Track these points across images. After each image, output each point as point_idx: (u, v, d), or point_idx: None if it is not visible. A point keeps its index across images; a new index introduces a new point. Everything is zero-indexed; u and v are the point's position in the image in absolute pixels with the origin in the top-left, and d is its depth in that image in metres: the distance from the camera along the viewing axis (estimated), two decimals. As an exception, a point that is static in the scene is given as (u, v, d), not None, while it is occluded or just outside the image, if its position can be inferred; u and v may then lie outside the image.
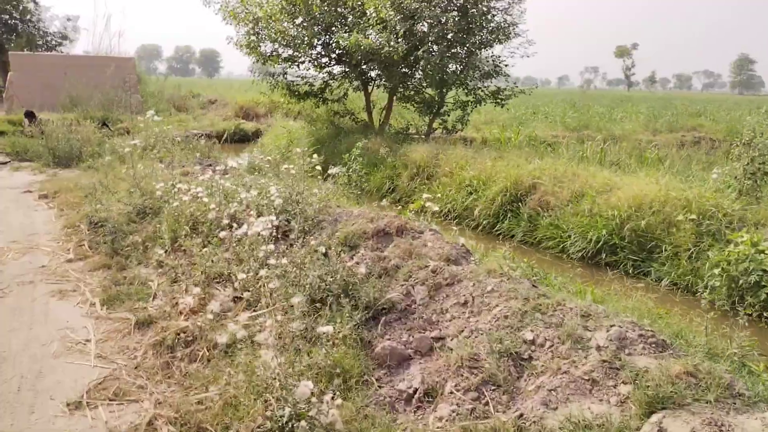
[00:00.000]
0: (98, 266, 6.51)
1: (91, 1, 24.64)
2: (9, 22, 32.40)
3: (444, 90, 13.11)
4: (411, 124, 14.61)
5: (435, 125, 14.30)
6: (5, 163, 12.31)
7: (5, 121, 17.45)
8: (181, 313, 5.36)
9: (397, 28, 11.73)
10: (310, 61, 13.86)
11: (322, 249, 5.47)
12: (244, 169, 9.67)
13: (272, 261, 5.13)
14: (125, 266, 6.46)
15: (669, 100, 44.70)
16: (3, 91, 29.67)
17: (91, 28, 33.83)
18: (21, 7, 32.52)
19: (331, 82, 14.39)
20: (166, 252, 6.53)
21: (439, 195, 10.11)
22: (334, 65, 14.17)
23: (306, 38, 12.44)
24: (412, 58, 12.39)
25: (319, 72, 14.20)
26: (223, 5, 13.97)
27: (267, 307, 5.00)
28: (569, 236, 7.99)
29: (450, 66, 12.30)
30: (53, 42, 33.55)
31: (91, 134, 13.10)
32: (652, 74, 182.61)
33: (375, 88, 14.31)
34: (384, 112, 14.59)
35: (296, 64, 13.94)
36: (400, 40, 11.84)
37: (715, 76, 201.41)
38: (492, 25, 12.56)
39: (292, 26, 12.80)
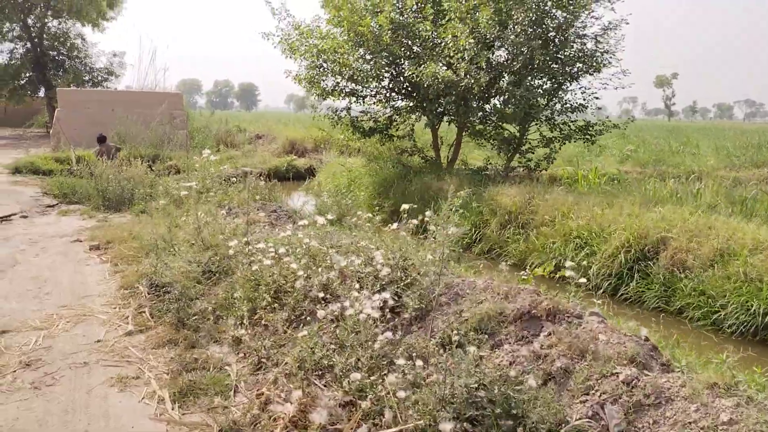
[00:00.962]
0: (163, 341, 5.34)
1: (136, 37, 24.18)
2: (57, 58, 32.47)
3: (526, 125, 11.83)
4: (489, 163, 13.25)
5: (513, 163, 13.00)
6: (52, 206, 11.39)
7: (52, 159, 16.75)
8: (275, 422, 4.13)
9: (479, 57, 10.58)
10: (375, 95, 12.78)
11: (455, 337, 4.20)
12: (315, 217, 8.50)
13: (401, 361, 3.88)
14: (194, 342, 5.28)
15: (720, 131, 42.69)
16: (50, 127, 29.54)
17: (137, 64, 34.13)
18: (69, 44, 32.58)
19: (396, 117, 13.26)
20: (242, 325, 5.36)
21: (540, 248, 8.79)
22: (400, 99, 13.06)
23: (373, 71, 11.39)
24: (493, 90, 11.20)
25: (385, 107, 13.11)
26: (283, 38, 13.06)
27: (395, 425, 3.73)
28: (723, 306, 6.55)
29: (535, 99, 11.06)
30: (99, 78, 33.45)
31: (142, 174, 12.13)
32: (693, 104, 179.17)
33: (441, 123, 13.10)
34: (452, 148, 13.40)
35: (361, 98, 12.86)
36: (481, 71, 10.69)
37: (757, 105, 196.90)
38: (582, 54, 11.31)
39: (358, 59, 11.77)
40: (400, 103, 13.08)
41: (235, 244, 5.98)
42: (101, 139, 14.73)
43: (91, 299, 6.31)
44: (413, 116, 13.23)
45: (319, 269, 5.46)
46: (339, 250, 5.79)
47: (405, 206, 6.10)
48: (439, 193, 10.58)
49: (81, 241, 8.66)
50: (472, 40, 10.47)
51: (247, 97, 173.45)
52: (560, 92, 11.73)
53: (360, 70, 11.48)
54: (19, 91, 31.54)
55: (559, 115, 11.97)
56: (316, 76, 12.88)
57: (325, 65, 12.23)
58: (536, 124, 11.95)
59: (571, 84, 11.77)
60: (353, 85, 12.52)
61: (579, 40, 11.42)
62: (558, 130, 12.31)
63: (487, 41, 10.95)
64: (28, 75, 31.69)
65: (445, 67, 10.78)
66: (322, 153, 20.87)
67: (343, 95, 12.86)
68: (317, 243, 6.07)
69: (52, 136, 21.03)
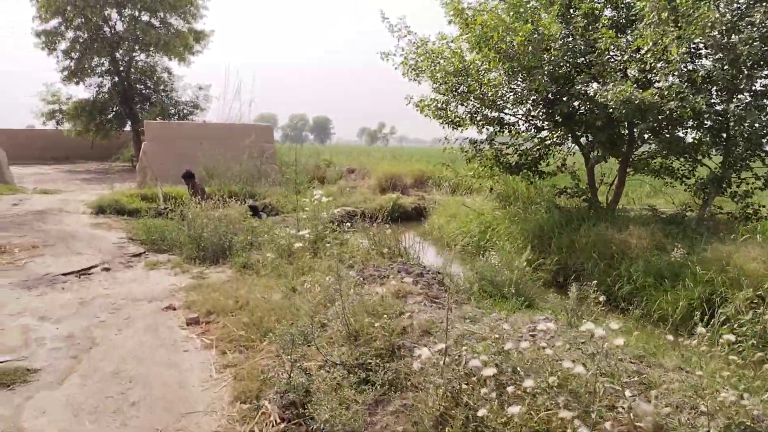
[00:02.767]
0: None
1: (221, 69, 22.98)
2: (143, 92, 32.05)
3: (740, 159, 9.02)
4: (687, 208, 10.23)
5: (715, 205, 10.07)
6: (138, 255, 9.58)
7: (138, 197, 15.25)
8: None
9: (694, 71, 8.11)
10: (526, 121, 10.41)
11: None
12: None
13: None
14: None
15: None
16: (135, 161, 28.81)
17: (221, 97, 33.68)
18: (155, 77, 32.14)
19: (543, 149, 10.71)
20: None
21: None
22: (548, 128, 10.58)
23: (524, 93, 9.10)
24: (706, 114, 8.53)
25: (531, 137, 10.71)
26: (406, 58, 11.02)
27: None
28: None
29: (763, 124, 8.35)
30: (185, 111, 32.80)
31: (240, 217, 10.21)
32: None
33: (603, 157, 10.45)
34: (611, 187, 10.82)
35: (506, 127, 10.47)
36: (695, 88, 8.20)
37: None
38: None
39: (503, 79, 9.50)
40: (544, 133, 10.66)
41: (424, 355, 3.70)
42: (188, 176, 13.02)
43: (194, 420, 4.17)
44: (563, 148, 10.81)
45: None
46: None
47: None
48: (622, 247, 8.12)
49: (174, 309, 6.66)
50: (683, 49, 8.00)
51: (321, 130, 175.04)
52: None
53: (510, 92, 9.20)
54: (106, 125, 31.17)
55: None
56: (445, 102, 10.75)
57: (459, 88, 10.00)
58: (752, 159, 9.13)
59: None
60: (493, 112, 10.24)
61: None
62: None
63: (699, 50, 8.52)
64: (115, 109, 31.32)
65: (633, 86, 8.32)
66: (425, 190, 18.67)
67: (481, 124, 10.55)
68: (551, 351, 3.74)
69: (138, 171, 19.80)
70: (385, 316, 5.01)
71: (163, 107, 31.19)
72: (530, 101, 9.44)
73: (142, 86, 32.20)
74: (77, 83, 30.73)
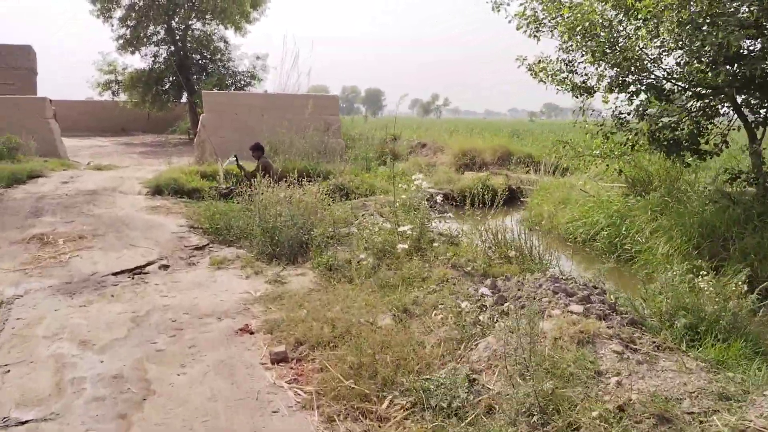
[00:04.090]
0: None
1: (278, 38, 21.26)
2: (200, 62, 30.82)
3: None
4: None
5: None
6: (202, 248, 8.08)
7: (197, 174, 13.84)
8: None
9: None
10: (684, 89, 8.10)
11: None
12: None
13: None
14: None
15: None
16: (192, 134, 27.67)
17: (279, 66, 32.06)
18: (212, 47, 30.81)
19: (703, 123, 8.41)
20: None
21: None
22: (713, 95, 8.19)
23: (695, 49, 6.84)
24: None
25: (682, 108, 8.41)
26: (520, 11, 9.03)
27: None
28: None
29: None
30: (242, 82, 31.49)
31: (317, 203, 8.56)
32: None
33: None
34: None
35: (663, 95, 8.12)
36: None
37: None
38: None
39: (669, 29, 7.19)
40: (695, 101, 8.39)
41: None
42: (257, 148, 11.48)
43: None
44: (721, 121, 8.59)
45: None
46: None
47: None
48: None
49: (252, 333, 5.05)
50: None
51: (373, 102, 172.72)
52: None
53: (677, 47, 7.01)
54: (162, 96, 30.13)
55: None
56: (570, 63, 8.75)
57: (600, 45, 7.82)
58: None
59: None
60: (642, 75, 8.05)
61: None
62: None
63: None
64: (171, 79, 30.20)
65: None
66: (509, 168, 16.69)
67: (630, 91, 8.32)
68: None
69: (196, 146, 18.45)
70: (576, 379, 3.25)
71: (220, 77, 29.93)
72: (702, 60, 7.16)
73: (199, 56, 31.00)
74: (133, 53, 29.75)
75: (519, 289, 4.83)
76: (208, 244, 8.31)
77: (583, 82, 8.91)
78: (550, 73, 9.02)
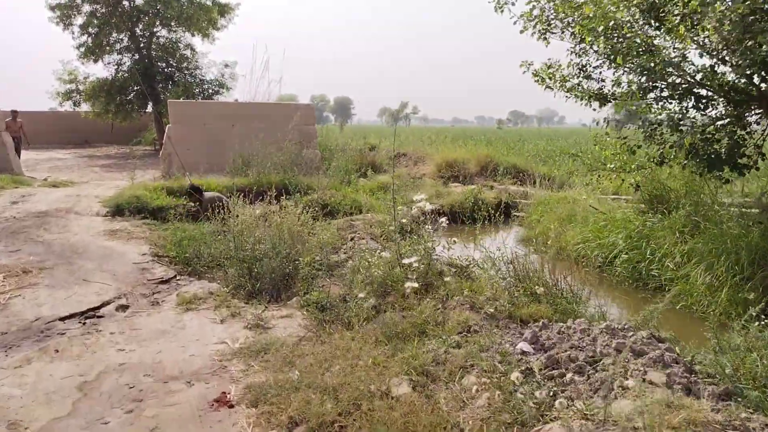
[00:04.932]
0: None
1: (246, 45, 20.17)
2: (165, 70, 29.47)
3: None
4: None
5: None
6: (167, 281, 6.96)
7: (162, 191, 12.66)
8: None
9: None
10: (719, 95, 7.13)
11: None
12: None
13: None
14: None
15: None
16: (158, 145, 26.29)
17: (248, 74, 30.88)
18: (178, 55, 29.50)
19: (739, 134, 7.43)
20: None
21: None
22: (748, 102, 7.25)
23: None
24: None
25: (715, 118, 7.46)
26: (528, 12, 8.13)
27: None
28: None
29: None
30: (210, 90, 30.25)
31: (302, 226, 7.51)
32: None
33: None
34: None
35: (700, 102, 7.16)
36: None
37: None
38: None
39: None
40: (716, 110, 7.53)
41: None
42: (194, 191, 10.18)
43: None
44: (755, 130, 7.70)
45: None
46: None
47: None
48: None
49: (231, 406, 3.99)
50: None
51: (342, 110, 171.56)
52: None
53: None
54: (126, 106, 28.71)
55: None
56: (583, 68, 7.87)
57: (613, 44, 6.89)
58: None
59: None
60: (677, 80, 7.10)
61: None
62: None
63: None
64: (135, 89, 28.79)
65: None
66: (496, 179, 15.82)
67: (662, 97, 7.35)
68: None
69: (162, 159, 17.23)
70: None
71: (187, 86, 28.69)
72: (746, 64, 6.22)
73: (164, 64, 29.67)
74: (95, 61, 28.28)
75: (570, 346, 3.85)
76: (174, 276, 7.19)
77: (600, 88, 8.02)
78: (558, 79, 8.12)
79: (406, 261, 5.45)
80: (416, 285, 4.89)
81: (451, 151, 18.07)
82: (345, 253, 7.64)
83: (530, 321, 4.80)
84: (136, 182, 13.74)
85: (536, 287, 5.30)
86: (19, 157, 17.30)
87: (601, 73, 7.95)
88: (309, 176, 15.39)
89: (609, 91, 7.86)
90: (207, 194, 9.98)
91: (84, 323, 5.72)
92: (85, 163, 22.99)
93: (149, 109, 29.31)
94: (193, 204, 10.31)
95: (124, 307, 6.17)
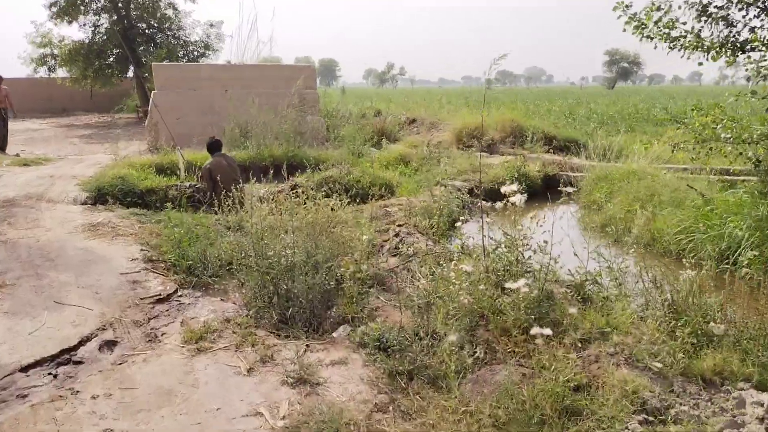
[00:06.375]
0: None
1: (235, 4, 18.09)
2: (146, 31, 27.23)
3: None
4: None
5: None
6: (168, 298, 5.32)
7: (151, 168, 10.93)
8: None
9: None
10: None
11: None
12: None
13: None
14: None
15: None
16: (142, 112, 24.30)
17: (236, 35, 28.77)
18: (159, 14, 27.22)
19: None
20: None
21: None
22: None
23: None
24: None
25: None
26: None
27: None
28: None
29: None
30: (195, 53, 28.17)
31: (330, 222, 5.87)
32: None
33: None
34: None
35: None
36: None
37: None
38: None
39: None
40: None
41: None
42: (214, 147, 8.68)
43: None
44: None
45: None
46: None
47: None
48: None
49: None
50: None
51: (328, 73, 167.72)
52: None
53: None
54: (106, 70, 26.58)
55: None
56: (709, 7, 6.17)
57: None
58: None
59: None
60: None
61: None
62: None
63: None
64: (115, 52, 26.63)
65: None
66: (524, 147, 14.14)
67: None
68: None
69: (148, 129, 15.38)
70: None
71: (170, 49, 26.65)
72: None
73: (145, 25, 27.50)
74: (69, 22, 25.97)
75: None
76: (175, 292, 5.55)
77: (736, 34, 6.30)
78: (662, 26, 6.41)
79: (511, 285, 3.83)
80: (549, 332, 3.30)
81: (472, 116, 16.29)
82: (392, 254, 6.00)
83: (715, 380, 3.23)
84: (120, 157, 11.95)
85: (713, 324, 3.69)
86: (7, 132, 15.25)
87: (728, 15, 6.24)
88: (314, 148, 13.66)
89: (745, 37, 6.16)
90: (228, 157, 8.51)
91: (55, 375, 4.09)
92: (63, 134, 21.04)
93: (131, 73, 27.25)
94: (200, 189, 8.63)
95: (110, 345, 4.54)
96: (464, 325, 3.91)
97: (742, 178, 8.18)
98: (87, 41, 26.26)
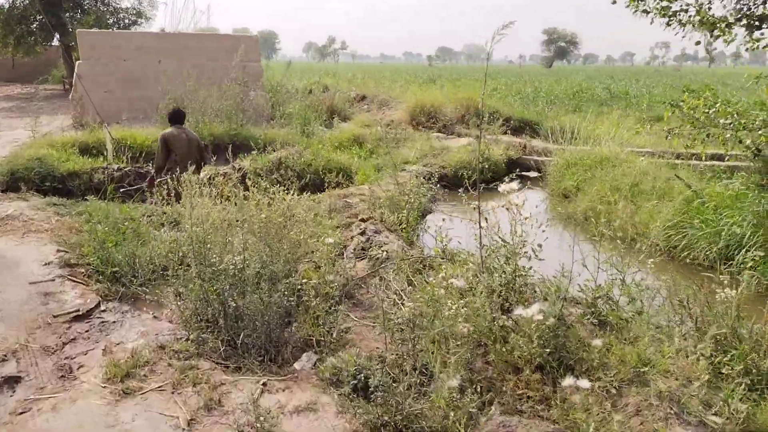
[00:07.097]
0: None
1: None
2: (73, -5, 25.19)
3: None
4: None
5: None
6: (88, 315, 4.37)
7: (74, 147, 9.74)
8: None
9: None
10: None
11: None
12: None
13: None
14: None
15: None
16: (67, 84, 22.49)
17: (170, 2, 26.85)
18: (87, -22, 25.21)
19: None
20: None
21: None
22: None
23: None
24: None
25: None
26: None
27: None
28: None
29: None
30: (127, 20, 26.35)
31: (285, 222, 4.98)
32: (738, 49, 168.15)
33: None
34: None
35: None
36: None
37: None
38: None
39: None
40: None
41: None
42: (175, 118, 7.56)
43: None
44: None
45: None
46: None
47: None
48: None
49: None
50: None
51: (267, 46, 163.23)
52: None
53: None
54: (28, 38, 24.46)
55: None
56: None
57: None
58: None
59: None
60: None
61: None
62: None
63: None
64: (38, 18, 24.49)
65: None
66: (479, 127, 13.42)
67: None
68: None
69: (73, 103, 13.94)
70: None
71: (99, 15, 24.79)
72: None
73: (71, -11, 25.33)
74: (-17, -17, 23.66)
75: None
76: (97, 306, 4.59)
77: (753, 6, 5.66)
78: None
79: (522, 313, 3.08)
80: (587, 384, 2.56)
81: (423, 94, 15.48)
82: (359, 256, 5.18)
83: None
84: (40, 135, 10.64)
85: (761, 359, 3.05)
86: None
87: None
88: (260, 126, 12.63)
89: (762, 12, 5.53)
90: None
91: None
92: (-23, 106, 19.11)
93: (56, 42, 25.20)
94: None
95: (12, 383, 3.60)
96: (463, 361, 3.14)
97: (720, 164, 7.72)
98: (6, 6, 24.07)
